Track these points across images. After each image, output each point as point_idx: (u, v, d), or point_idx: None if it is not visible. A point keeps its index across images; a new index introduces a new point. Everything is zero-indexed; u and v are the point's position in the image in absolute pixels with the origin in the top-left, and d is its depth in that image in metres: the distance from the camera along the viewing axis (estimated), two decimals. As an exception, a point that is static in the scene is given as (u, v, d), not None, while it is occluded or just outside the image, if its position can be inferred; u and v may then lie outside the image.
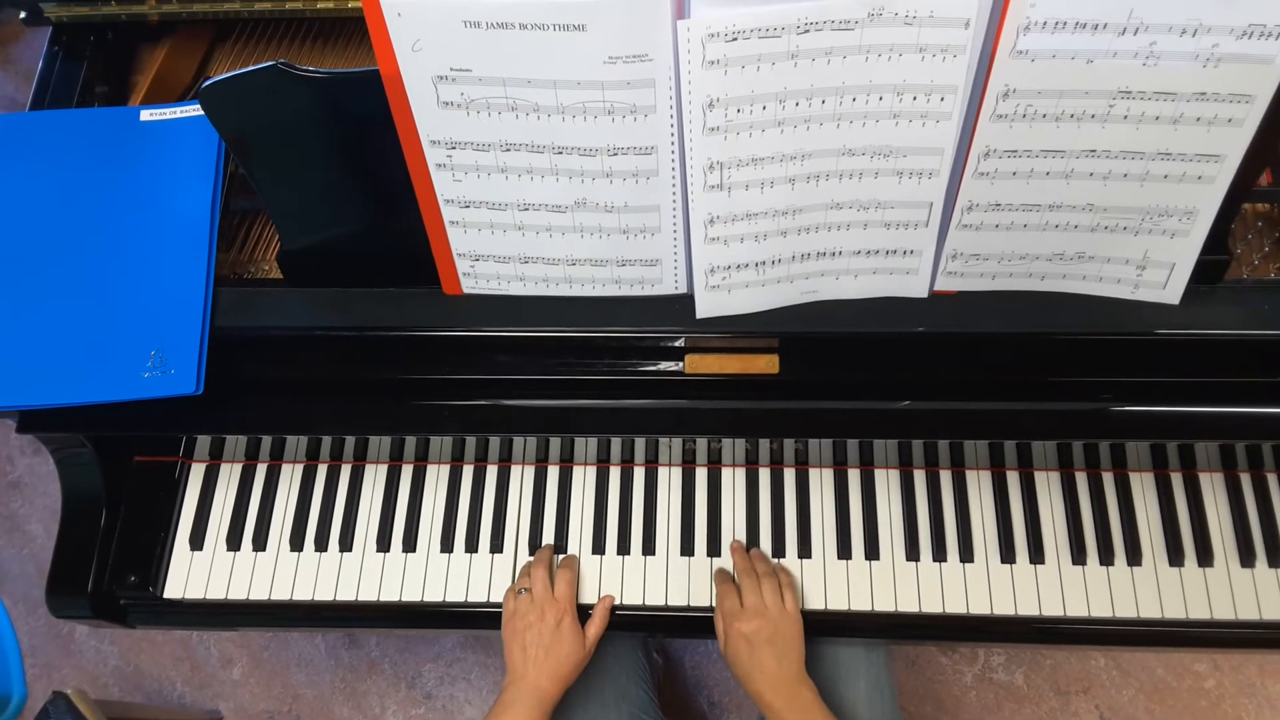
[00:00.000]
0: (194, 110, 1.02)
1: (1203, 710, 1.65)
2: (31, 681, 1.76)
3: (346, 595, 1.08)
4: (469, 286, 0.95)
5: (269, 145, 0.87)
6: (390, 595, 1.08)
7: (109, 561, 1.07)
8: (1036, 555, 1.05)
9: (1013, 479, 1.08)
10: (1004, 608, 1.03)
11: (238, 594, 1.08)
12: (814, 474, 1.10)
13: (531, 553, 1.09)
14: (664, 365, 0.99)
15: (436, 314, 0.95)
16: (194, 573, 1.09)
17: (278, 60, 0.81)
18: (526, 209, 0.87)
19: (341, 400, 1.02)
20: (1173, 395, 0.97)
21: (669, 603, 1.06)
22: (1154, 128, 0.78)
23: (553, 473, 1.12)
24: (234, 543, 1.10)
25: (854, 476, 1.10)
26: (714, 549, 1.08)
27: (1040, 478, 1.08)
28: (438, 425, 1.04)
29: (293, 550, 1.10)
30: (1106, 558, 1.04)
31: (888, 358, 0.98)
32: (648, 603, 1.06)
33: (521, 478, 1.12)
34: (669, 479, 1.11)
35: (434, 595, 1.08)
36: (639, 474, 1.11)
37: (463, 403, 1.01)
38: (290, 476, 1.13)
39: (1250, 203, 1.01)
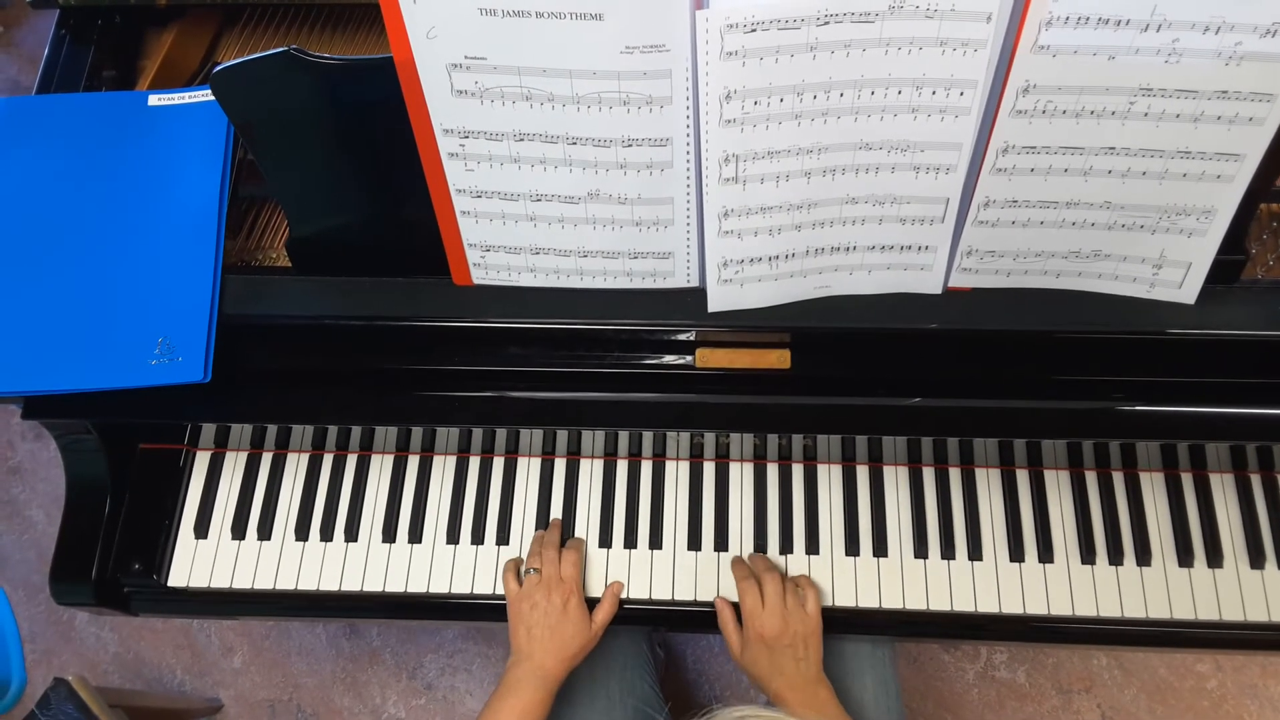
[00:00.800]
0: (202, 95, 1.01)
1: (1205, 710, 1.65)
2: (31, 668, 1.76)
3: (351, 586, 1.07)
4: (479, 277, 0.94)
5: (279, 132, 0.86)
6: (395, 586, 1.07)
7: (113, 549, 1.07)
8: (1045, 554, 1.04)
9: (1022, 477, 1.08)
10: (1012, 607, 1.03)
11: (242, 583, 1.08)
12: (822, 470, 1.10)
13: (538, 545, 1.08)
14: (675, 359, 0.98)
15: (446, 304, 0.94)
16: (198, 561, 1.09)
17: (290, 46, 0.80)
18: (539, 200, 0.86)
19: (349, 390, 1.02)
20: (1185, 395, 0.96)
21: (675, 597, 1.06)
22: (1174, 126, 0.77)
23: (560, 465, 1.11)
24: (239, 531, 1.10)
25: (862, 473, 1.09)
26: (721, 544, 1.07)
27: (1050, 476, 1.08)
28: (445, 416, 1.04)
29: (298, 540, 1.10)
30: (1116, 558, 1.04)
31: (900, 354, 0.98)
32: (654, 596, 1.06)
33: (529, 470, 1.11)
34: (676, 473, 1.10)
35: (439, 587, 1.07)
36: (646, 468, 1.11)
37: (471, 394, 1.00)
38: (296, 466, 1.13)
39: (1266, 203, 1.01)
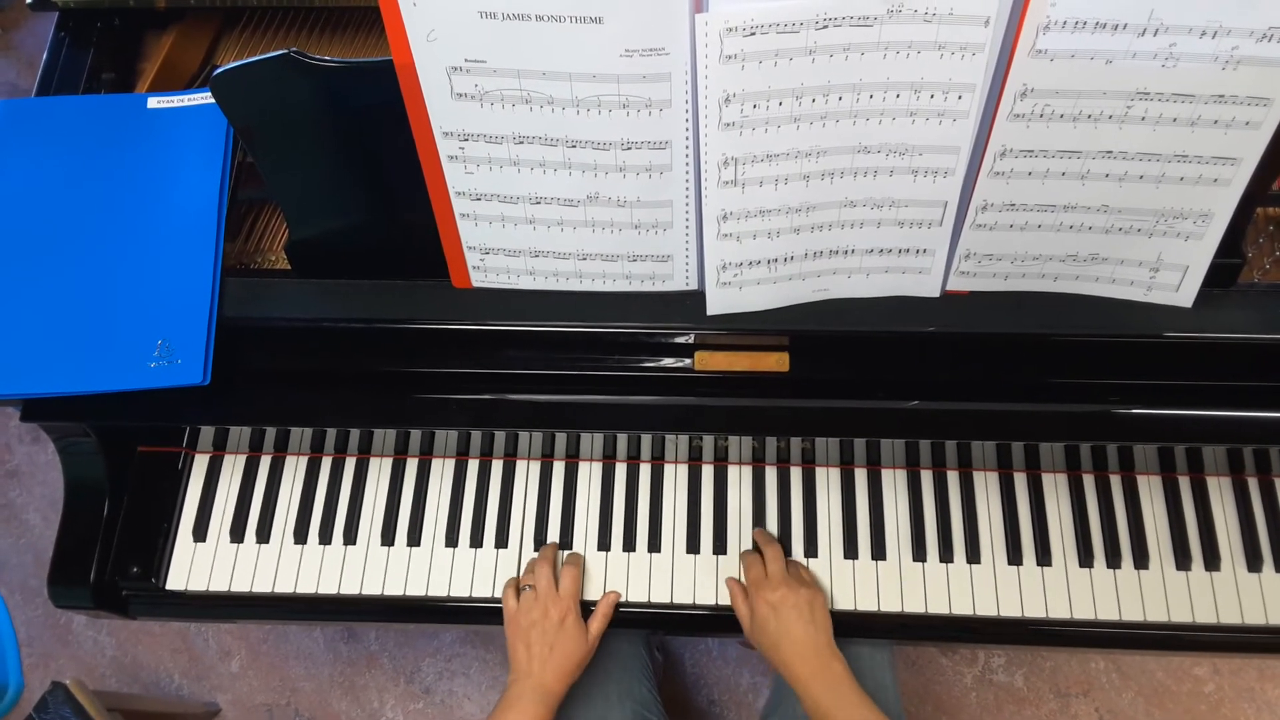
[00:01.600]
0: (201, 98, 1.01)
1: (1202, 714, 1.65)
2: (28, 671, 1.76)
3: (350, 589, 1.07)
4: (478, 280, 0.94)
5: (279, 134, 0.86)
6: (394, 589, 1.07)
7: (111, 552, 1.06)
8: (1043, 557, 1.05)
9: (1020, 480, 1.08)
10: (1010, 610, 1.03)
11: (240, 586, 1.08)
12: (820, 473, 1.10)
13: (537, 548, 1.08)
14: (673, 362, 0.98)
15: (445, 307, 0.94)
16: (197, 564, 1.09)
17: (290, 49, 0.80)
18: (538, 202, 0.86)
19: (348, 392, 1.02)
20: (1182, 399, 0.97)
21: (674, 600, 1.06)
22: (1171, 129, 0.78)
23: (559, 468, 1.11)
24: (237, 534, 1.10)
25: (861, 476, 1.09)
26: (720, 547, 1.07)
27: (1048, 480, 1.08)
28: (444, 419, 1.04)
29: (296, 543, 1.09)
30: (1113, 561, 1.04)
31: (898, 357, 0.98)
32: (653, 600, 1.06)
33: (527, 473, 1.11)
34: (675, 476, 1.10)
35: (438, 590, 1.07)
36: (645, 471, 1.11)
37: (470, 396, 1.00)
38: (295, 469, 1.12)
39: (1263, 206, 1.01)
